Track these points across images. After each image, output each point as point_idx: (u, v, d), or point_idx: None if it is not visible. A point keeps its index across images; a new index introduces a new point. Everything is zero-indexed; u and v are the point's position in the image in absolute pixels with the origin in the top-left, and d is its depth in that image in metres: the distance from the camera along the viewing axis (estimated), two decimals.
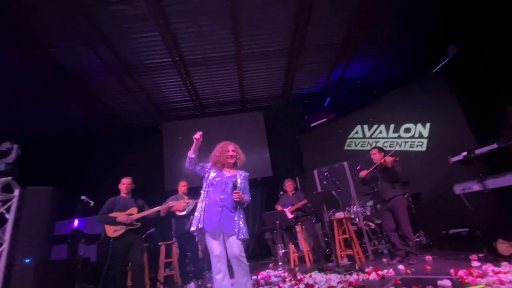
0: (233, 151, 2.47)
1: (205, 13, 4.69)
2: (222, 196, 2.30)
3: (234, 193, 2.23)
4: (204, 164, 2.49)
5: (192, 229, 2.26)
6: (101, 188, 6.49)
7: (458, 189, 3.29)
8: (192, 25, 4.91)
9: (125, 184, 3.49)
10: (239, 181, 2.38)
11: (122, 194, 3.50)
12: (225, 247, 2.22)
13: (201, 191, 2.41)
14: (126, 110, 7.24)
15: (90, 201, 3.52)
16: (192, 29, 4.99)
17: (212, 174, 2.40)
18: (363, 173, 3.69)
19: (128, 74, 5.84)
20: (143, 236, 3.93)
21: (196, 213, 2.30)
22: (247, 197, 2.37)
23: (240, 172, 2.48)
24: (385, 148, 4.68)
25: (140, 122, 7.85)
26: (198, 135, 2.31)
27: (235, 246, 2.17)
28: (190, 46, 5.41)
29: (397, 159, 3.45)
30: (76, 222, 6.73)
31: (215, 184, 2.35)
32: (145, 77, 6.10)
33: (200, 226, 2.21)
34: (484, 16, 4.53)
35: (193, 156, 2.36)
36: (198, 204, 2.35)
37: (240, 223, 2.26)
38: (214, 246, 2.19)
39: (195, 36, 5.17)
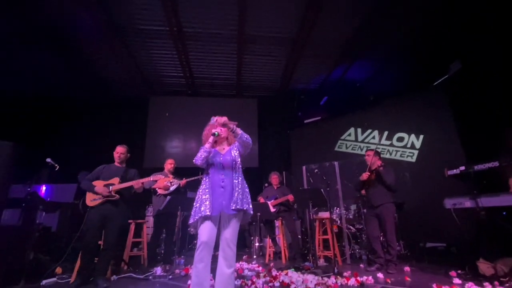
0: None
1: None
2: (222, 176, 2.13)
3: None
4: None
5: (196, 218, 1.99)
6: (74, 155, 6.08)
7: (448, 203, 3.21)
8: None
9: (118, 153, 3.26)
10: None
11: (116, 163, 3.26)
12: (216, 235, 2.02)
13: (203, 176, 2.19)
14: (112, 77, 6.71)
15: (56, 164, 3.15)
16: None
17: (210, 156, 2.18)
18: (365, 176, 3.55)
19: (119, 36, 5.37)
20: None
21: (204, 197, 2.04)
22: (245, 135, 2.14)
23: (235, 143, 2.29)
24: None
25: (126, 92, 7.32)
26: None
27: (230, 230, 2.02)
28: (191, 18, 5.05)
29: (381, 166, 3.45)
30: (43, 189, 6.26)
31: (214, 165, 2.16)
32: (136, 43, 5.65)
33: (208, 213, 1.96)
34: (489, 37, 4.51)
35: (210, 149, 2.14)
36: (201, 189, 2.10)
37: (243, 197, 2.08)
38: (205, 231, 1.96)
39: (197, 7, 4.82)
